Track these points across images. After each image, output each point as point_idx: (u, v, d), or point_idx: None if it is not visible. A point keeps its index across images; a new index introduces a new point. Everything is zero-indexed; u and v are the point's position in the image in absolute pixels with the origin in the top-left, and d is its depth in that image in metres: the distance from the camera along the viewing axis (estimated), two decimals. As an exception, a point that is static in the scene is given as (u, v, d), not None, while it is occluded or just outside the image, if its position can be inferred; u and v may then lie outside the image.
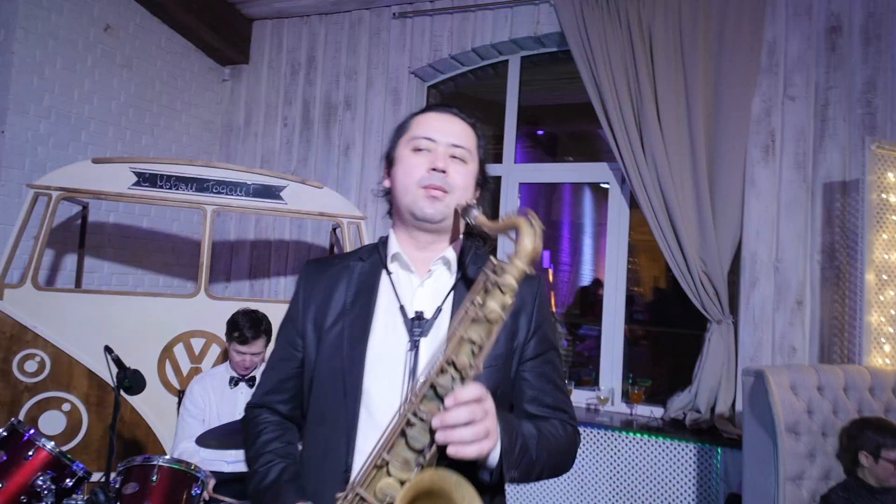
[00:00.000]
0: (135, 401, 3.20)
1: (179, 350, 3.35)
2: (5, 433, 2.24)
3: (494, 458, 1.09)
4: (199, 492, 2.14)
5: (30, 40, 3.62)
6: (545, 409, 1.29)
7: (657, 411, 3.68)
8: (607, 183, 3.96)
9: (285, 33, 4.72)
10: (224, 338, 3.01)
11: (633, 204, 3.78)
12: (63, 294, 3.38)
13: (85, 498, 2.11)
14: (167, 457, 2.13)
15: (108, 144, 4.09)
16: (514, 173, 4.21)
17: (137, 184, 3.31)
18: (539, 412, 1.29)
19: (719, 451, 3.29)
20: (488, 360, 1.14)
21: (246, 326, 2.91)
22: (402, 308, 1.25)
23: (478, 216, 1.20)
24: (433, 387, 1.06)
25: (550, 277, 7.36)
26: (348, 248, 3.50)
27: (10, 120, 3.55)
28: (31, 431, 2.22)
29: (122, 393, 2.38)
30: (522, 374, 1.30)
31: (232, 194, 3.44)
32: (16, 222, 3.19)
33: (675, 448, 3.39)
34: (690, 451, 3.36)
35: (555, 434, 1.25)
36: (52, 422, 3.13)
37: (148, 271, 4.39)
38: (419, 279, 1.29)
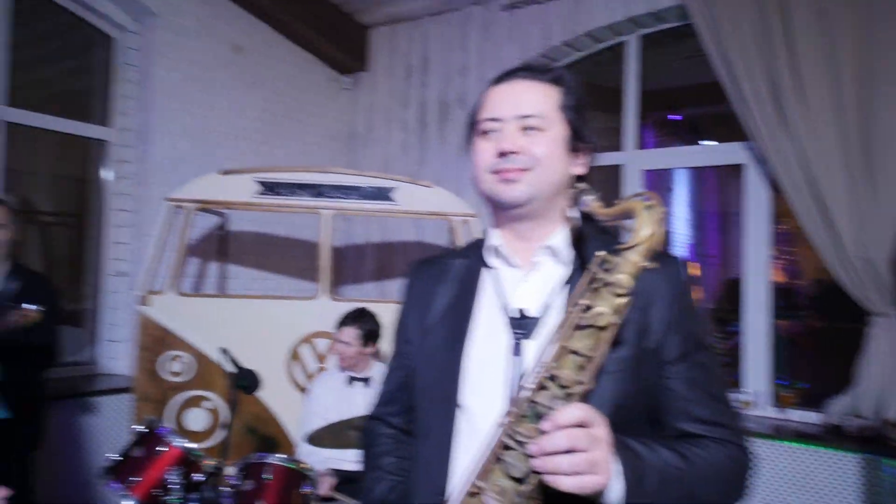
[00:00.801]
0: (267, 399, 3.36)
1: (306, 350, 3.47)
2: (143, 430, 2.42)
3: (615, 497, 0.92)
4: (308, 489, 2.18)
5: (168, 65, 3.93)
6: (698, 425, 1.08)
7: (814, 416, 3.27)
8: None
9: (399, 37, 4.78)
10: None
11: (775, 187, 3.40)
12: (200, 299, 3.63)
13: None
14: (280, 455, 2.19)
15: (242, 159, 4.32)
16: (636, 161, 3.95)
17: (261, 193, 3.48)
18: (691, 428, 1.08)
19: (884, 462, 2.86)
20: (610, 365, 0.99)
21: (345, 315, 3.00)
22: (504, 307, 1.13)
23: (591, 202, 1.03)
24: (533, 405, 0.93)
25: (698, 271, 6.91)
26: (461, 247, 3.44)
27: (154, 140, 3.88)
28: (164, 429, 2.38)
29: (242, 391, 2.49)
30: (666, 381, 1.09)
31: (346, 198, 3.52)
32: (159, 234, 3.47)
33: (833, 459, 2.99)
34: (852, 462, 2.95)
35: (710, 458, 1.05)
36: (196, 419, 3.35)
37: (285, 276, 4.62)
38: (523, 273, 1.16)
